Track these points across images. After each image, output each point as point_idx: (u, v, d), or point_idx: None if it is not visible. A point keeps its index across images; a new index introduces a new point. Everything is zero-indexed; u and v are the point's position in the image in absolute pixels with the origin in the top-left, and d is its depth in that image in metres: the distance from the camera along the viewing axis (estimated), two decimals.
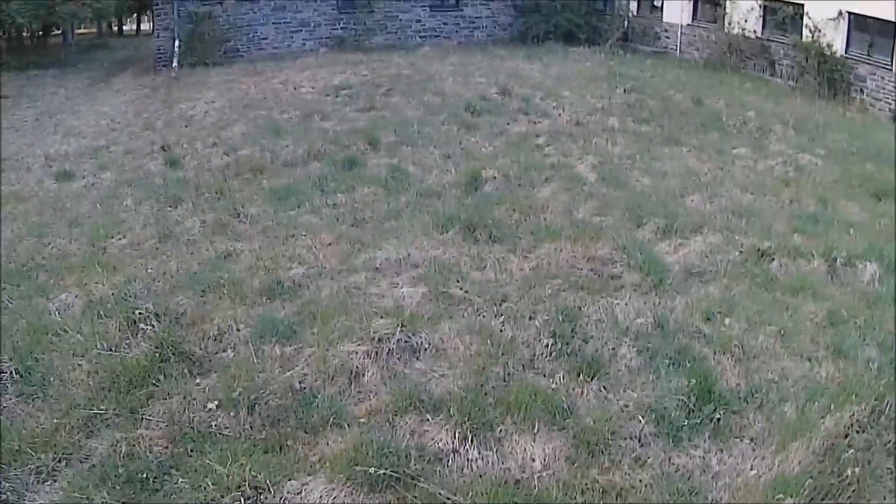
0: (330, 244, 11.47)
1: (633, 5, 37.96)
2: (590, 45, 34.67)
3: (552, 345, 8.41)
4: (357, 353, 8.15)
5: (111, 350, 8.43)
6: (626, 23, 37.40)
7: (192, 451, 6.94)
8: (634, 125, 19.71)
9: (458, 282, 9.93)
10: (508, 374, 7.97)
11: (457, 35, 37.02)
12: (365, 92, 23.01)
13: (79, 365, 8.19)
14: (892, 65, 25.53)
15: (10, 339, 8.78)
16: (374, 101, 21.74)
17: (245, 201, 13.81)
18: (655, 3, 36.66)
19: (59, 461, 6.95)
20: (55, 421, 7.38)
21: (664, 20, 36.01)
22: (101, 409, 7.53)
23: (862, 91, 26.48)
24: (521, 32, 37.24)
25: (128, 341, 8.64)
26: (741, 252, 11.21)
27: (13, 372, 8.17)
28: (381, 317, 8.75)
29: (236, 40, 33.84)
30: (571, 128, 19.18)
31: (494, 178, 14.68)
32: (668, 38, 35.74)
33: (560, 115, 20.45)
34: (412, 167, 15.63)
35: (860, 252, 11.26)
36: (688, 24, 34.64)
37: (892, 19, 25.07)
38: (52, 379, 8.02)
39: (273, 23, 34.53)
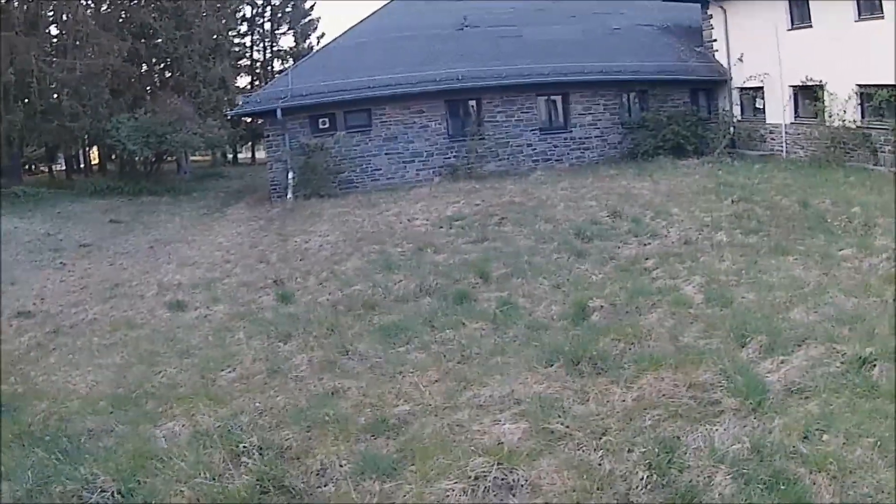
0: (436, 381, 11.52)
1: (737, 110, 38.20)
2: (698, 155, 35.01)
3: (648, 477, 8.33)
4: (454, 491, 8.16)
5: (213, 480, 8.58)
6: (731, 129, 37.58)
7: None
8: (742, 237, 19.62)
9: (559, 416, 9.88)
10: None
11: (567, 157, 37.32)
12: (477, 222, 23.27)
13: (181, 491, 8.35)
14: None
15: (114, 461, 9.00)
16: (487, 232, 21.93)
17: (355, 338, 13.94)
18: (757, 106, 36.88)
19: None
20: None
21: (767, 121, 36.28)
22: None
23: None
24: (630, 150, 37.52)
25: (231, 472, 8.76)
26: (842, 363, 10.99)
27: (115, 492, 8.39)
28: (480, 454, 8.76)
29: (350, 171, 34.56)
30: (680, 247, 19.22)
31: (602, 307, 14.62)
32: (773, 139, 35.87)
33: (668, 234, 20.49)
34: (521, 299, 15.63)
35: None
36: (791, 123, 34.78)
37: None
38: (153, 502, 8.20)
39: (385, 153, 35.27)
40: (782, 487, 7.96)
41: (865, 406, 9.60)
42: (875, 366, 10.68)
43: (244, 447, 9.24)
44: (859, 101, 30.74)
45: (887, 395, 9.85)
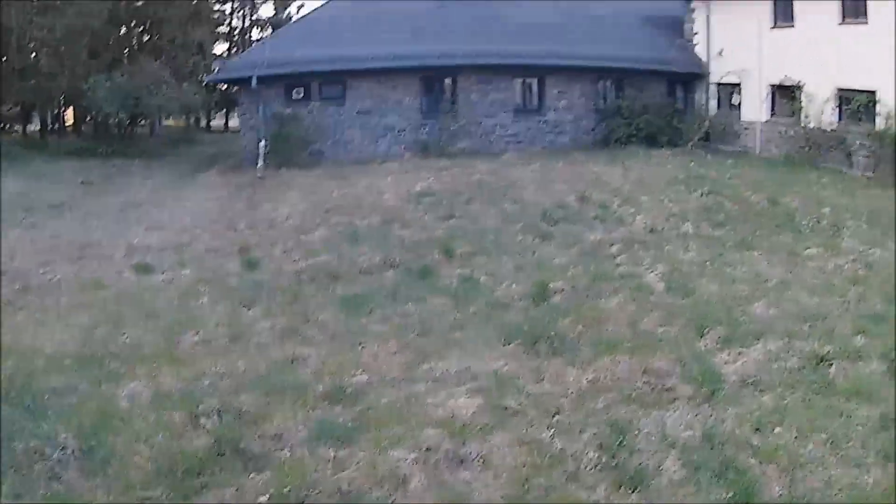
0: (395, 353, 11.70)
1: (713, 104, 38.32)
2: (672, 146, 34.86)
3: (598, 457, 8.49)
4: (406, 461, 8.32)
5: (172, 440, 8.75)
6: (706, 123, 37.45)
7: None
8: (709, 230, 19.89)
9: (514, 394, 10.10)
10: (551, 486, 8.07)
11: (540, 140, 37.27)
12: (446, 199, 23.35)
13: (140, 450, 8.51)
14: None
15: (77, 419, 9.19)
16: (454, 209, 22.07)
17: (318, 307, 14.14)
18: (734, 102, 36.98)
19: None
20: (110, 498, 7.75)
21: (743, 118, 36.36)
22: (156, 493, 7.83)
23: None
24: (604, 136, 37.46)
25: (190, 433, 8.95)
26: (799, 359, 11.19)
27: (77, 449, 8.51)
28: (434, 426, 8.99)
29: (322, 143, 34.45)
30: (645, 235, 19.43)
31: (563, 289, 14.88)
32: (747, 135, 35.98)
33: (635, 222, 20.63)
34: (484, 277, 15.87)
35: None
36: (766, 121, 34.91)
37: None
38: (113, 460, 8.35)
39: (359, 126, 35.20)
40: (731, 476, 8.15)
41: (820, 403, 9.82)
42: (832, 364, 10.93)
43: (204, 409, 9.41)
44: (837, 104, 30.89)
45: (843, 392, 10.07)
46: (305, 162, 32.41)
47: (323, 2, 40.64)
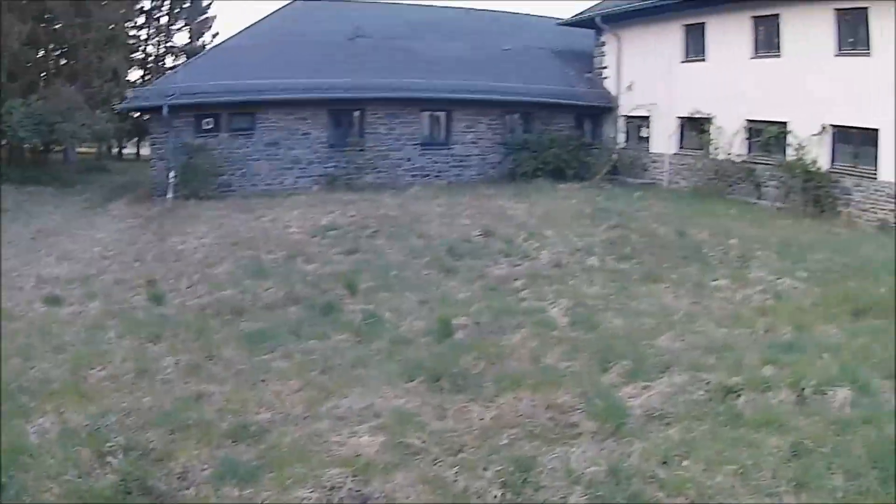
0: (298, 390, 11.67)
1: (622, 137, 39.03)
2: (579, 180, 35.60)
3: (502, 495, 8.53)
4: (310, 500, 8.37)
5: (80, 478, 8.67)
6: (614, 156, 38.19)
7: None
8: (614, 263, 20.10)
9: (417, 431, 10.08)
10: None
11: (447, 174, 37.72)
12: (351, 233, 23.49)
13: (50, 488, 8.47)
14: (876, 173, 26.23)
15: None
16: (359, 244, 22.16)
17: (221, 343, 14.07)
18: (643, 135, 37.69)
19: None
20: None
21: (651, 151, 37.19)
22: None
23: (848, 204, 27.10)
24: (511, 170, 37.91)
25: (97, 471, 8.86)
26: (706, 391, 11.24)
27: None
28: (337, 465, 9.00)
29: (230, 174, 34.50)
30: (550, 269, 19.55)
31: (466, 325, 14.91)
32: (656, 168, 36.71)
33: (540, 256, 20.80)
34: (388, 313, 15.83)
35: (832, 377, 11.36)
36: (675, 154, 35.68)
37: (875, 127, 25.88)
38: (25, 498, 8.31)
39: (266, 158, 35.27)
40: None
41: (729, 434, 9.83)
42: (740, 395, 10.97)
43: (111, 446, 9.35)
44: (747, 136, 31.70)
45: (752, 423, 10.12)
46: (214, 194, 32.45)
47: (238, 31, 40.48)
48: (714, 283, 18.05)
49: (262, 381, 12.21)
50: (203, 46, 66.15)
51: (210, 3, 71.03)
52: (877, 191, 26.49)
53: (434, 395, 11.58)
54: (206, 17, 70.93)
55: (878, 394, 11.02)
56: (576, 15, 42.38)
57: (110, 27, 55.27)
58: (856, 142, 27.64)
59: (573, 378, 11.93)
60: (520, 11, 51.50)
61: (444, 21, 44.30)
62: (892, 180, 25.72)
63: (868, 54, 26.84)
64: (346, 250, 21.60)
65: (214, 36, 70.23)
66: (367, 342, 14.16)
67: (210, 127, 34.88)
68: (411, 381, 12.08)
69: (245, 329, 15.02)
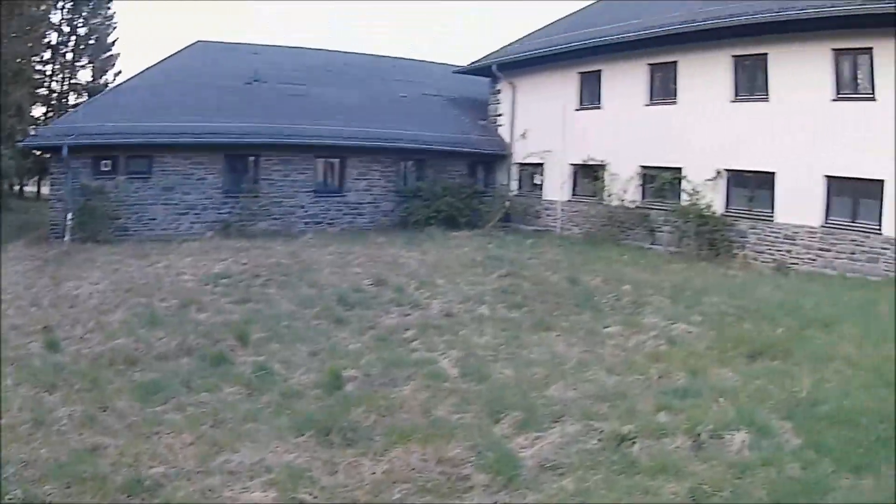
0: (191, 444, 11.72)
1: (515, 185, 40.08)
2: (471, 227, 36.44)
3: None
4: None
5: None
6: (506, 203, 39.14)
7: None
8: (505, 311, 20.34)
9: (308, 487, 10.23)
10: None
11: (340, 221, 38.26)
12: (243, 282, 23.70)
13: None
14: (773, 215, 27.36)
15: None
16: (251, 293, 22.32)
17: (115, 394, 14.06)
18: (536, 182, 38.70)
19: None
20: None
21: (545, 197, 38.38)
22: None
23: (743, 247, 28.20)
24: (403, 218, 38.69)
25: None
26: (600, 440, 11.40)
27: None
28: None
29: (126, 218, 34.67)
30: (441, 319, 19.75)
31: (356, 377, 15.08)
32: (549, 215, 37.75)
33: (431, 305, 21.07)
34: (278, 365, 15.89)
35: (729, 420, 11.71)
36: (567, 200, 36.82)
37: (771, 170, 27.04)
38: None
39: (162, 203, 35.49)
40: None
41: (624, 482, 9.99)
42: (635, 443, 11.18)
43: (10, 499, 9.44)
44: (641, 182, 32.73)
45: (647, 470, 10.30)
46: (110, 238, 32.57)
47: (139, 71, 40.53)
48: (606, 329, 18.36)
49: (156, 433, 12.22)
50: (106, 84, 65.94)
51: (115, 41, 70.73)
52: (773, 233, 27.53)
53: (324, 449, 11.67)
54: (110, 55, 70.68)
55: (778, 434, 11.42)
56: (473, 62, 43.13)
57: (18, 60, 54.89)
58: (752, 185, 28.69)
59: (464, 430, 12.07)
60: (421, 59, 52.20)
61: (343, 67, 45.01)
62: (788, 222, 26.78)
63: (766, 99, 28.00)
64: (238, 299, 21.71)
65: (117, 74, 70.14)
66: (258, 395, 14.20)
67: (108, 169, 34.98)
68: (301, 435, 12.16)
69: (138, 379, 14.99)
